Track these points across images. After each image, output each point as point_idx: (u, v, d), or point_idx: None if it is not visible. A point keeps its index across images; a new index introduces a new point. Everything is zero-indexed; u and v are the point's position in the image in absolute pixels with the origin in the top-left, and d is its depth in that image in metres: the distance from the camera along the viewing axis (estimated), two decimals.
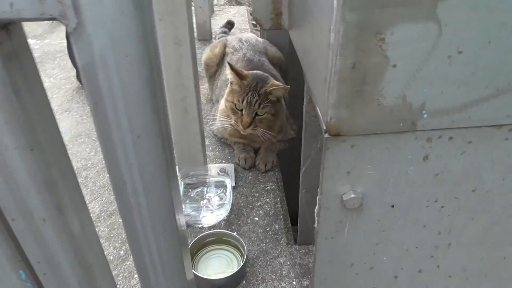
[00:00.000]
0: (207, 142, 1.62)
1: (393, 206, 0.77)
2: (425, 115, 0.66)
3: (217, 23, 2.89)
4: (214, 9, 3.12)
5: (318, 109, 0.74)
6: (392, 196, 0.75)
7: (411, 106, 0.65)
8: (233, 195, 1.36)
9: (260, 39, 1.94)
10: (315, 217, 0.81)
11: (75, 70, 1.97)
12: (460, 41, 0.60)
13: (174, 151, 1.37)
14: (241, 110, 1.33)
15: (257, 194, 1.38)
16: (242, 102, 1.31)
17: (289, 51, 1.97)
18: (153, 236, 0.72)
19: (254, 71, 1.43)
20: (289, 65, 1.96)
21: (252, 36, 1.92)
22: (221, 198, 1.36)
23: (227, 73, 1.39)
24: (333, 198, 0.75)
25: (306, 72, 0.84)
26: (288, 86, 1.37)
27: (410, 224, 0.79)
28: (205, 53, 1.91)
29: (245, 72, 1.42)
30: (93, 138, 1.70)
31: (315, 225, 0.81)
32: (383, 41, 0.59)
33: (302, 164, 1.04)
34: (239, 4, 3.91)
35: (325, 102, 0.66)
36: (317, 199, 0.77)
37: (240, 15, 3.09)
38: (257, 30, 2.72)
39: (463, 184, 0.75)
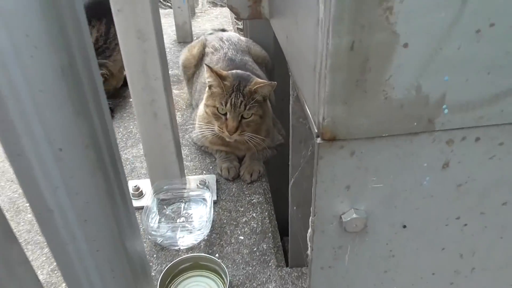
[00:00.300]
0: (185, 151, 1.48)
1: (405, 227, 0.61)
2: (445, 110, 0.50)
3: (198, 25, 2.74)
4: (196, 11, 2.97)
5: (307, 107, 0.58)
6: (404, 214, 0.60)
7: (427, 99, 0.49)
8: (214, 211, 1.22)
9: (243, 38, 1.80)
10: (308, 242, 0.65)
11: None
12: (492, 10, 0.45)
13: (145, 162, 1.21)
14: (225, 114, 1.21)
15: (242, 209, 1.24)
16: (226, 104, 1.19)
17: (275, 51, 1.83)
18: (98, 277, 0.55)
19: (234, 71, 1.30)
20: (275, 65, 1.82)
21: (234, 35, 1.78)
22: (201, 215, 1.19)
23: (206, 76, 1.25)
24: (330, 219, 0.59)
25: (291, 63, 0.69)
26: (275, 82, 1.22)
27: (426, 247, 0.64)
28: (183, 54, 1.75)
29: (225, 72, 1.28)
30: None
31: (308, 251, 0.65)
32: (391, 11, 0.43)
33: (290, 175, 0.89)
34: (223, 6, 3.77)
35: (316, 98, 0.51)
36: (310, 220, 0.61)
37: (223, 16, 2.95)
38: (241, 32, 2.58)
39: (492, 197, 0.59)
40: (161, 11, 3.20)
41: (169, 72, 2.10)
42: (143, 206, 1.17)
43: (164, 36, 2.64)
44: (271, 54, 1.80)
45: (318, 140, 0.52)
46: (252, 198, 1.28)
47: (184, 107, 1.78)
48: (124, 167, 1.39)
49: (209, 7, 3.79)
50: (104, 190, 0.48)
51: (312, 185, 0.58)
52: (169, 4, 3.52)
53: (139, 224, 1.18)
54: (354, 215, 0.58)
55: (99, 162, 0.46)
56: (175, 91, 1.87)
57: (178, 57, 2.05)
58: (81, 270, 0.54)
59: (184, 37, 2.44)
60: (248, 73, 1.32)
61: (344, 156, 0.53)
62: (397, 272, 0.67)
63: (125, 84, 1.83)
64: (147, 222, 1.11)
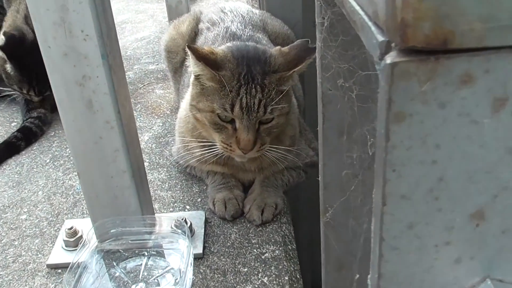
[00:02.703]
0: (162, 175, 1.28)
1: None
2: None
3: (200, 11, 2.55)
4: None
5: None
6: None
7: None
8: (199, 271, 0.99)
9: (257, 11, 1.63)
10: None
11: None
12: None
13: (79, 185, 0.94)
14: (231, 121, 1.03)
15: (246, 269, 1.00)
16: (233, 109, 1.00)
17: (304, 30, 1.67)
18: None
19: (232, 44, 1.11)
20: None
21: (242, 5, 1.63)
22: (175, 279, 0.93)
23: (191, 64, 1.05)
24: None
25: None
26: (311, 44, 1.01)
27: None
28: (167, 34, 1.57)
29: (217, 51, 1.05)
30: None
31: None
32: None
33: (322, 204, 0.58)
34: None
35: None
36: None
37: None
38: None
39: None
40: None
41: (155, 66, 1.95)
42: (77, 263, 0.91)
43: (153, 23, 2.48)
44: (298, 33, 1.62)
45: (391, 56, 0.22)
46: (263, 251, 1.05)
47: (167, 112, 1.58)
48: (65, 200, 1.17)
49: None
50: None
51: (374, 212, 0.26)
52: None
53: None
54: None
55: None
56: (158, 91, 1.70)
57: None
58: None
59: None
60: (253, 44, 1.10)
61: (474, 106, 0.20)
62: None
63: None
64: None
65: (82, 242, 0.99)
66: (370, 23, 0.23)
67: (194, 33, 1.48)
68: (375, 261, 0.26)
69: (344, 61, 0.47)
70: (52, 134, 1.43)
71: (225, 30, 1.34)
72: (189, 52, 1.01)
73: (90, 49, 0.78)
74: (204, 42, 1.36)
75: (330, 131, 0.53)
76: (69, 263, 0.93)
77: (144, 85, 1.70)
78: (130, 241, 0.99)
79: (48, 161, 1.30)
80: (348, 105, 0.50)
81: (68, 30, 0.76)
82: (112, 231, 0.97)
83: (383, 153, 0.23)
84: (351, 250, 0.63)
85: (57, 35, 0.76)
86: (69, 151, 1.34)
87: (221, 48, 1.07)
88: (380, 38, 0.22)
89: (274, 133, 1.06)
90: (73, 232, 1.00)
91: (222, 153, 1.06)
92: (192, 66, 1.03)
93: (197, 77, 1.03)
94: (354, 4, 0.26)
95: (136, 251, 0.99)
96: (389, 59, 0.21)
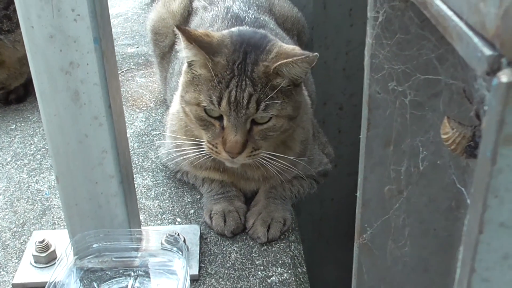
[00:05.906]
0: (147, 181, 1.32)
1: None
2: None
3: None
4: None
5: None
6: None
7: None
8: None
9: None
10: None
11: None
12: None
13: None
14: (220, 118, 1.07)
15: None
16: (220, 102, 1.03)
17: (314, 12, 1.80)
18: None
19: (235, 29, 1.16)
20: (316, 36, 1.72)
21: None
22: None
23: (182, 48, 1.08)
24: None
25: None
26: (315, 54, 1.04)
27: None
28: (154, 12, 1.61)
29: (216, 34, 1.09)
30: None
31: None
32: None
33: (359, 224, 0.61)
34: None
35: None
36: None
37: None
38: None
39: None
40: None
41: (135, 49, 1.98)
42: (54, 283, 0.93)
43: None
44: (309, 15, 1.74)
45: (506, 75, 0.26)
46: (269, 274, 1.10)
47: (151, 104, 1.63)
48: (32, 207, 1.21)
49: None
50: None
51: (465, 241, 0.29)
52: None
53: None
54: None
55: None
56: (139, 80, 1.76)
57: None
58: None
59: None
60: (260, 31, 1.15)
61: None
62: None
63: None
64: None
65: (58, 259, 1.02)
66: (470, 34, 0.26)
67: (188, 12, 1.52)
68: None
69: (399, 62, 0.50)
70: (13, 127, 1.46)
71: (225, 10, 1.38)
72: (179, 34, 1.04)
73: (81, 31, 0.82)
74: (200, 24, 1.40)
75: (375, 140, 0.56)
76: (41, 282, 0.96)
77: (123, 72, 1.74)
78: (114, 259, 1.02)
79: (9, 159, 1.33)
80: (399, 111, 0.54)
81: (56, 8, 0.80)
82: (94, 246, 1.00)
83: (486, 178, 0.25)
84: (387, 278, 0.66)
85: (43, 14, 0.80)
86: (35, 149, 1.38)
87: (222, 32, 1.11)
88: (488, 52, 0.25)
89: (272, 137, 1.08)
90: (45, 246, 1.03)
91: (210, 155, 1.08)
92: (184, 51, 1.06)
93: (189, 64, 1.07)
94: (445, 8, 0.29)
95: (121, 271, 1.02)
96: (504, 77, 0.23)
